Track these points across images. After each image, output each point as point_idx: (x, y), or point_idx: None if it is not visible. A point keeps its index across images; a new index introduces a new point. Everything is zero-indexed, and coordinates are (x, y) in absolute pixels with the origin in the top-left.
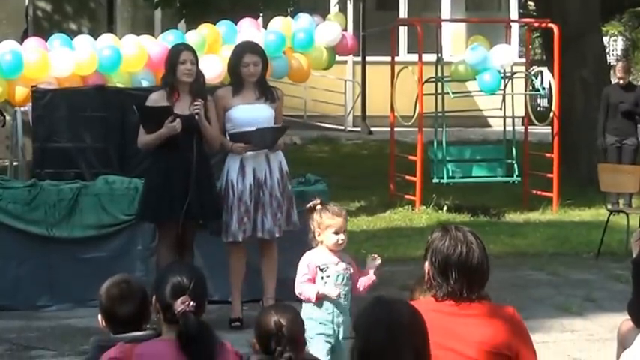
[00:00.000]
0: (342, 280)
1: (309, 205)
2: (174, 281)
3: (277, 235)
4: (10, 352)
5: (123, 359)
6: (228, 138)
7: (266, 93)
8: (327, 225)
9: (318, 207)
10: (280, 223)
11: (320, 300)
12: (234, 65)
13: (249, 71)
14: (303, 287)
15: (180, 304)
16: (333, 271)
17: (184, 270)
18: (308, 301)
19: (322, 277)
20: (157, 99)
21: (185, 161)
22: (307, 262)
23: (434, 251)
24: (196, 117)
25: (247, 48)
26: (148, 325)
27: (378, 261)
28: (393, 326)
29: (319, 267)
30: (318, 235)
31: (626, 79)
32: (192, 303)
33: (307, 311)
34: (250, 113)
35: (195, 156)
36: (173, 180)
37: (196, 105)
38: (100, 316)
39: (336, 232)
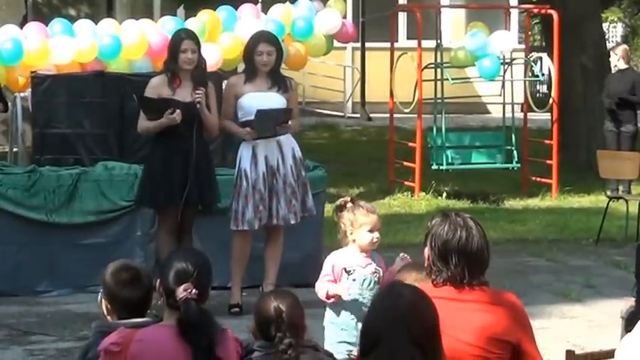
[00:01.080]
0: (369, 284)
1: (337, 203)
2: (179, 267)
3: (292, 222)
4: (10, 338)
5: (123, 344)
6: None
7: (279, 83)
8: (360, 223)
9: (349, 204)
10: (296, 210)
11: (338, 302)
12: (249, 53)
13: (263, 60)
14: (317, 286)
15: (182, 291)
16: (360, 274)
17: (190, 256)
18: (325, 301)
19: (348, 280)
20: (157, 84)
21: (185, 148)
22: (332, 262)
23: (433, 236)
24: (198, 105)
25: (263, 37)
26: (149, 312)
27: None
28: (389, 311)
29: (345, 269)
30: (351, 233)
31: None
32: (194, 290)
33: (329, 316)
34: (261, 101)
35: (195, 143)
36: (173, 166)
37: (198, 93)
38: (103, 301)
39: (371, 230)
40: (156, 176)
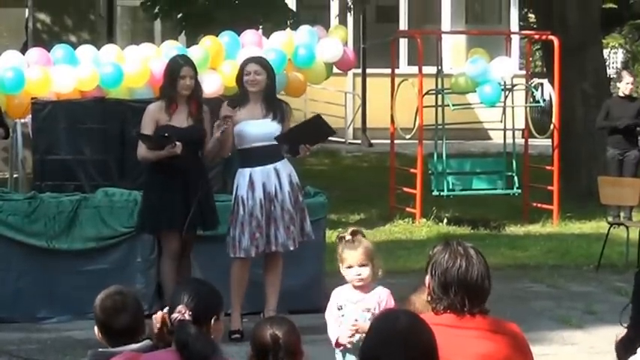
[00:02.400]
0: (363, 322)
1: (338, 235)
2: (177, 294)
3: (291, 248)
4: None
5: None
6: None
7: (274, 109)
8: (342, 258)
9: (348, 237)
10: (294, 236)
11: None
12: (238, 76)
13: (250, 78)
14: (328, 329)
15: (176, 313)
16: (349, 310)
17: (192, 284)
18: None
19: (340, 318)
20: (154, 110)
21: (184, 172)
22: (332, 298)
23: (434, 265)
24: (221, 134)
25: (251, 59)
26: (143, 338)
27: None
28: (387, 336)
29: (338, 305)
30: (341, 269)
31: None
32: (188, 312)
33: (338, 358)
34: (256, 129)
35: (193, 167)
36: (172, 191)
37: (224, 124)
38: (95, 328)
39: (350, 267)
40: (156, 202)
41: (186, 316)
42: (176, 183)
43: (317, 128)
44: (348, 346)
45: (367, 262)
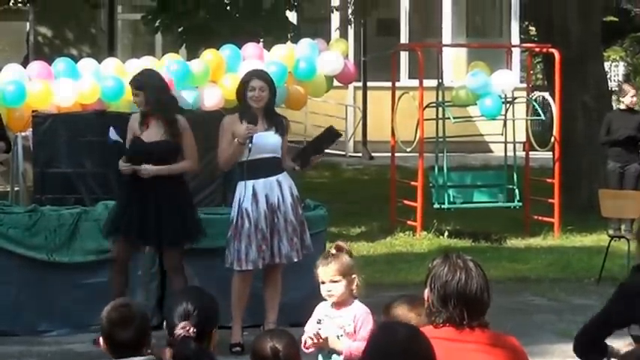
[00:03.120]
0: (333, 339)
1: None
2: (180, 307)
3: (295, 260)
4: None
5: None
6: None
7: (276, 123)
8: (316, 273)
9: (333, 251)
10: (297, 247)
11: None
12: (242, 91)
13: (255, 95)
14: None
15: (179, 329)
16: (326, 325)
17: (193, 296)
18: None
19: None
20: (133, 120)
21: (147, 187)
22: (315, 311)
23: (433, 278)
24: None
25: (254, 74)
26: (149, 351)
27: None
28: (386, 348)
29: (317, 318)
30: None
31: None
32: (192, 329)
33: None
34: (259, 141)
35: (157, 182)
36: (132, 202)
37: (249, 133)
38: (101, 340)
39: (322, 282)
40: (118, 210)
41: (191, 333)
42: (136, 195)
43: (327, 137)
44: (306, 351)
45: (340, 278)
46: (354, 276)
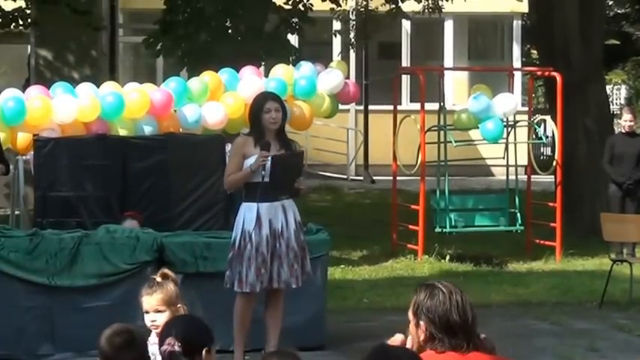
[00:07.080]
0: None
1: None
2: (167, 329)
3: (294, 286)
4: None
5: None
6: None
7: (288, 146)
8: (140, 302)
9: (158, 279)
10: (297, 274)
11: None
12: (256, 112)
13: (272, 117)
14: None
15: (165, 345)
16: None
17: (179, 319)
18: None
19: None
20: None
21: None
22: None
23: (429, 309)
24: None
25: (269, 96)
26: None
27: None
28: None
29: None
30: None
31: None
32: (177, 344)
33: None
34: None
35: None
36: None
37: (263, 161)
38: None
39: (146, 312)
40: None
41: (176, 348)
42: None
43: (289, 163)
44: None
45: (165, 308)
46: (179, 305)
